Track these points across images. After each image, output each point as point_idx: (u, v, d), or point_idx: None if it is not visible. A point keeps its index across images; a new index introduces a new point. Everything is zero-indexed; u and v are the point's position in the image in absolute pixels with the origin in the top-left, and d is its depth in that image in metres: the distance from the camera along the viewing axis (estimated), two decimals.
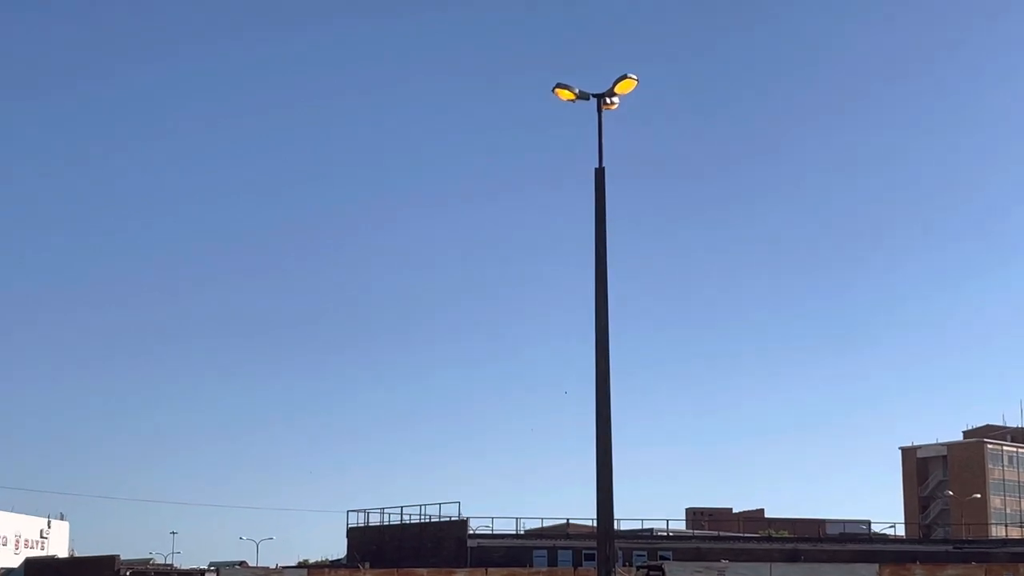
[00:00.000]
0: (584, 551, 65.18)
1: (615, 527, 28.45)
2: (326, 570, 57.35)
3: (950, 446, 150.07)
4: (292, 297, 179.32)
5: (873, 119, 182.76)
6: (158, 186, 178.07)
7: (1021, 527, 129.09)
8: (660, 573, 43.27)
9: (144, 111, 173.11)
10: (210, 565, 66.45)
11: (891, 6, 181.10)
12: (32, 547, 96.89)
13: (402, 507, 73.42)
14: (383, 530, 73.48)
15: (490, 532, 71.15)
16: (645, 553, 65.19)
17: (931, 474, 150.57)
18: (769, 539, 78.36)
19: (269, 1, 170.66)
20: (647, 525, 77.21)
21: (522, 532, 73.50)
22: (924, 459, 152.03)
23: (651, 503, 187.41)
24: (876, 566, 45.38)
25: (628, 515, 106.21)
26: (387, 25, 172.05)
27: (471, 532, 69.39)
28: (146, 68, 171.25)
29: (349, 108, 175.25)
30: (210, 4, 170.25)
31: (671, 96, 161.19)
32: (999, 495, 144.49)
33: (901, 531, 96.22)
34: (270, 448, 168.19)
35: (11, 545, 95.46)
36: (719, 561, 46.82)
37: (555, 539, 71.40)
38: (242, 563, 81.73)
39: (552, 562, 65.95)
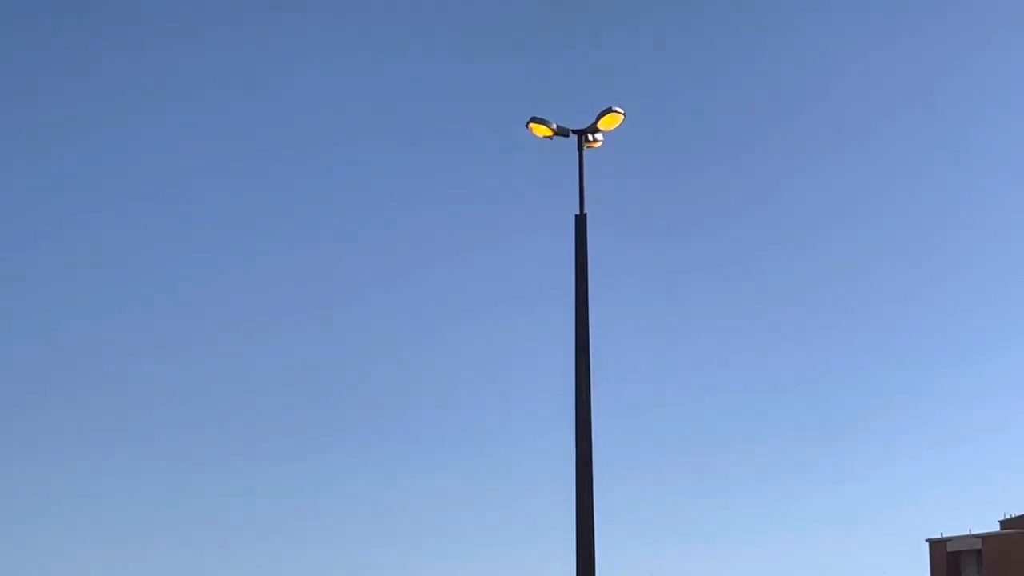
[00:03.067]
0: None
1: None
2: None
3: (985, 538, 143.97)
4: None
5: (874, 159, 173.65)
6: None
7: None
8: None
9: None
10: None
11: (893, 37, 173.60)
12: None
13: None
14: None
15: None
16: None
17: (964, 571, 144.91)
18: None
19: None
20: None
21: None
22: (955, 553, 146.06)
23: None
24: None
25: None
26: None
27: None
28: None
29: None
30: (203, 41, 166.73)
31: (663, 132, 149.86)
32: None
33: None
34: None
35: None
36: None
37: None
38: None
39: None
